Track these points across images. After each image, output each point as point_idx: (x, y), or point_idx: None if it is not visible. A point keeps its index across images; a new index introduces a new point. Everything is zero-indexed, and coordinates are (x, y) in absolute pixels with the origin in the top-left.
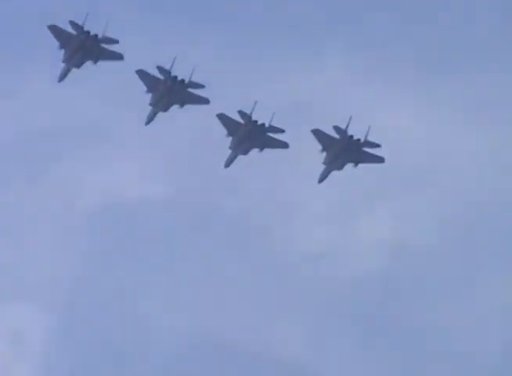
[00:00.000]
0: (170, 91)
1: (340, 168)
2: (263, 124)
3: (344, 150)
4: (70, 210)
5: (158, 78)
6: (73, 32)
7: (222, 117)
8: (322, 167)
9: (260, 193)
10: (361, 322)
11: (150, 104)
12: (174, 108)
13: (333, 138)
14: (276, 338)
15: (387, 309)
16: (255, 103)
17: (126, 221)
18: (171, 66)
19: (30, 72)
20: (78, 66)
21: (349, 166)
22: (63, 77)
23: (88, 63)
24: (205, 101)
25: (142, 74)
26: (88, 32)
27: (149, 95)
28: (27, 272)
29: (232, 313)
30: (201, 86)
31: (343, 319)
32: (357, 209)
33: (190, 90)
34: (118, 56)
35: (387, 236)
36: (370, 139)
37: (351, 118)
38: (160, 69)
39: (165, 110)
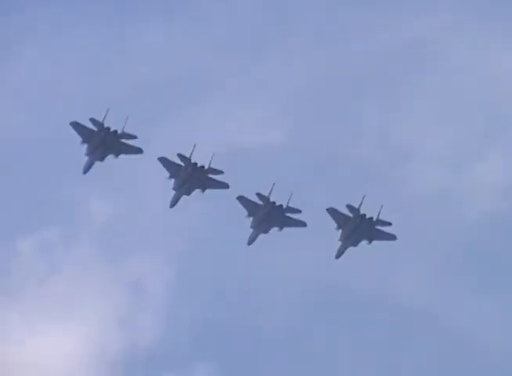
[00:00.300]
0: (190, 176)
1: (355, 244)
2: (281, 206)
3: (358, 228)
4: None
5: (179, 165)
6: (94, 128)
7: (242, 200)
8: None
9: None
10: (477, 265)
11: (173, 189)
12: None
13: (347, 216)
14: (395, 283)
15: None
16: (273, 184)
17: None
18: (191, 153)
19: None
20: (101, 159)
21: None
22: (87, 169)
23: (110, 157)
24: (225, 186)
25: (164, 162)
26: (108, 128)
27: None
28: (149, 222)
29: (350, 261)
30: (220, 172)
31: (459, 262)
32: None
33: (210, 176)
34: (138, 151)
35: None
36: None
37: (364, 197)
38: (181, 156)
39: (188, 194)
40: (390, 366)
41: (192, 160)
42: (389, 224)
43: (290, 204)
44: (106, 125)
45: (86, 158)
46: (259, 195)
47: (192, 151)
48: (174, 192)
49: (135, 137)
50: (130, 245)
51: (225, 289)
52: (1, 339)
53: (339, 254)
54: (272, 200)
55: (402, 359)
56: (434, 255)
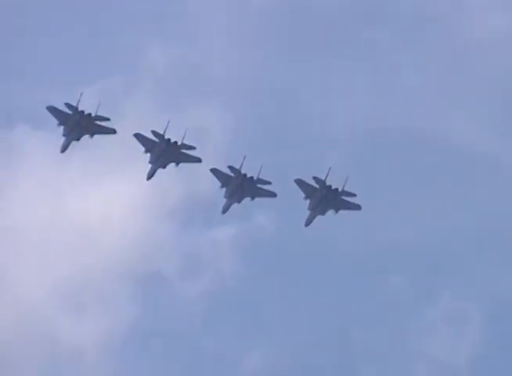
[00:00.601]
0: (164, 152)
1: (323, 213)
2: (252, 177)
3: (324, 198)
4: None
5: (154, 141)
6: (69, 112)
7: (215, 172)
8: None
9: None
10: None
11: (150, 162)
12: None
13: (314, 187)
14: (452, 126)
15: None
16: (244, 157)
17: None
18: (165, 130)
19: None
20: (77, 139)
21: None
22: (64, 148)
23: (86, 137)
24: (197, 160)
25: (139, 137)
26: (83, 111)
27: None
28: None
29: (409, 100)
30: (193, 148)
31: None
32: None
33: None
34: (111, 131)
35: None
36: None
37: (330, 169)
38: (155, 133)
39: (163, 167)
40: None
41: (166, 136)
42: (354, 195)
43: (261, 176)
44: (80, 109)
45: (63, 139)
46: (231, 168)
47: (166, 127)
48: (150, 165)
49: (108, 119)
50: (192, 93)
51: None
52: (65, 192)
53: (308, 223)
54: (243, 172)
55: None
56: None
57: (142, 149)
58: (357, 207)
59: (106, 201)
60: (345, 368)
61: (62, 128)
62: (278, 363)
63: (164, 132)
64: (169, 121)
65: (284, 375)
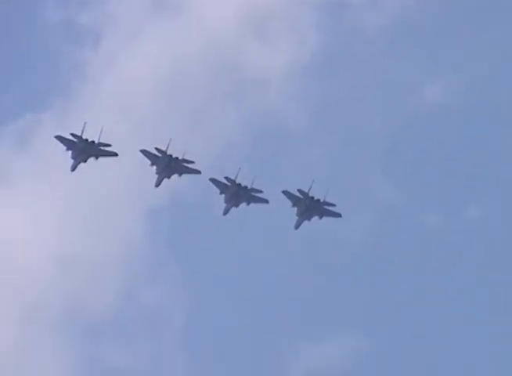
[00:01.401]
0: (168, 165)
1: (309, 219)
2: (246, 186)
3: (308, 207)
4: None
5: (158, 156)
6: (75, 140)
7: (214, 181)
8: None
9: None
10: None
11: (156, 173)
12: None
13: (298, 197)
14: None
15: None
16: (239, 169)
17: None
18: (167, 147)
19: None
20: (84, 161)
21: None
22: (74, 168)
23: (92, 159)
24: (197, 172)
25: (145, 153)
26: (87, 139)
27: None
28: None
29: None
30: (192, 162)
31: None
32: None
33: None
34: (113, 154)
35: None
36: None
37: (313, 182)
38: (159, 150)
39: (168, 177)
40: None
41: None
42: (333, 205)
43: (254, 186)
44: (84, 137)
45: (72, 160)
46: (227, 178)
47: (168, 145)
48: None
49: (109, 145)
50: None
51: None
52: None
53: (297, 226)
54: (238, 182)
55: None
56: None
57: (148, 162)
58: (338, 215)
59: None
60: None
61: (70, 152)
62: None
63: (167, 149)
64: (170, 139)
65: None
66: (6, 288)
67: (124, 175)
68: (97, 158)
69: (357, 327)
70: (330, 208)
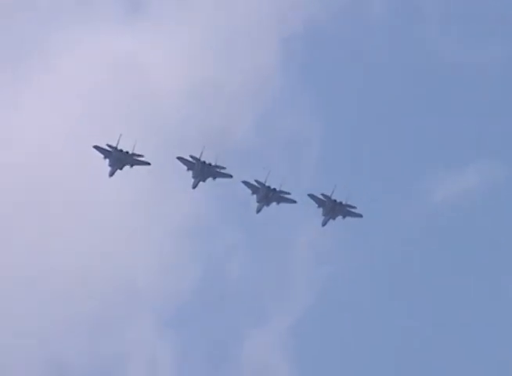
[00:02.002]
0: (202, 171)
1: (334, 218)
2: (275, 189)
3: (331, 209)
4: None
5: (192, 162)
6: (111, 150)
7: (246, 183)
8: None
9: None
10: None
11: (192, 177)
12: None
13: (323, 200)
14: None
15: None
16: (269, 171)
17: None
18: (200, 154)
19: None
20: (120, 168)
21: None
22: (111, 174)
23: (127, 167)
24: (229, 176)
25: (181, 159)
26: (121, 150)
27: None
28: None
29: None
30: (223, 168)
31: None
32: None
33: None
34: (146, 163)
35: None
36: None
37: (335, 186)
38: (192, 156)
39: (204, 180)
40: None
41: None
42: (354, 207)
43: (282, 188)
44: (119, 148)
45: (109, 168)
46: (257, 181)
47: (202, 152)
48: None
49: (142, 156)
50: None
51: None
52: None
53: (324, 224)
54: (267, 184)
55: None
56: None
57: (185, 167)
58: (359, 215)
59: None
60: None
61: (107, 160)
62: None
63: (200, 156)
64: (204, 146)
65: None
66: (143, 121)
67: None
68: (132, 166)
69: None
70: (352, 210)
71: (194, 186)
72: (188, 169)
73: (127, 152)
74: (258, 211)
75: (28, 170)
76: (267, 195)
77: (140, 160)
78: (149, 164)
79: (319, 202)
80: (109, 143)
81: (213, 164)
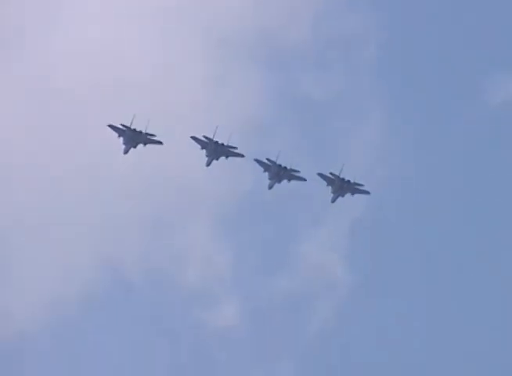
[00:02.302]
0: (215, 150)
1: (342, 196)
2: (285, 167)
3: (340, 187)
4: None
5: (206, 141)
6: (125, 129)
7: (258, 161)
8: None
9: None
10: None
11: (206, 156)
12: None
13: (332, 179)
14: None
15: None
16: (279, 152)
17: None
18: (214, 134)
19: None
20: (134, 147)
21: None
22: (126, 152)
23: (140, 145)
24: (241, 155)
25: (195, 139)
26: (135, 129)
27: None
28: None
29: None
30: (235, 147)
31: None
32: None
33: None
34: (158, 142)
35: None
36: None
37: (343, 165)
38: (205, 137)
39: (216, 159)
40: None
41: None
42: (361, 185)
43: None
44: (132, 127)
45: (123, 146)
46: (268, 160)
47: (215, 133)
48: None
49: (154, 135)
50: None
51: None
52: None
53: (333, 201)
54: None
55: None
56: None
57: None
58: (367, 192)
59: None
60: None
61: (121, 138)
62: None
63: (213, 136)
64: (217, 127)
65: None
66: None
67: None
68: (145, 145)
69: None
70: (359, 188)
71: (208, 164)
72: (202, 148)
73: (140, 131)
74: (270, 187)
75: None
76: (278, 173)
77: (153, 139)
78: (161, 143)
79: (328, 180)
80: (124, 123)
81: (225, 144)
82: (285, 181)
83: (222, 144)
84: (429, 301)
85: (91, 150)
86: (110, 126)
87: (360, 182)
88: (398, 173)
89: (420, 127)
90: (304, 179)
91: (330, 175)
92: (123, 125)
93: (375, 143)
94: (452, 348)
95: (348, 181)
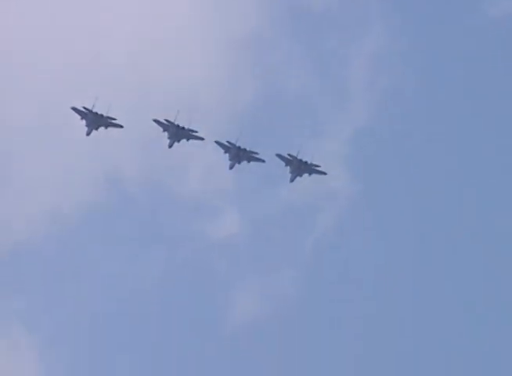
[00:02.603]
0: (176, 133)
1: (300, 175)
2: (245, 149)
3: (297, 168)
4: None
5: (167, 125)
6: (86, 112)
7: (218, 143)
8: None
9: None
10: None
11: (168, 138)
12: None
13: (289, 159)
14: None
15: None
16: (240, 132)
17: None
18: (175, 118)
19: None
20: (96, 129)
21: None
22: (88, 134)
23: (102, 128)
24: (201, 138)
25: (158, 122)
26: (96, 113)
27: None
28: None
29: None
30: (195, 131)
31: None
32: None
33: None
34: (119, 126)
35: None
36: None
37: (300, 147)
38: (167, 120)
39: (178, 141)
40: None
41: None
42: (318, 166)
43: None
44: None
45: (86, 128)
46: (228, 142)
47: (176, 116)
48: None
49: (115, 119)
50: None
51: None
52: None
53: (291, 180)
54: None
55: None
56: None
57: (161, 129)
58: (323, 173)
59: None
60: None
61: (84, 121)
62: None
63: (174, 120)
64: (178, 111)
65: None
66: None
67: None
68: (106, 128)
69: None
70: (316, 168)
71: (170, 146)
72: (163, 130)
73: (101, 115)
74: (231, 167)
75: None
76: (237, 154)
77: (113, 123)
78: (121, 126)
79: (286, 161)
80: (85, 106)
81: (186, 127)
82: (244, 162)
83: (183, 127)
84: (431, 215)
85: None
86: (73, 108)
87: (317, 164)
88: (400, 84)
89: (416, 37)
90: (263, 161)
91: (288, 156)
92: (85, 108)
93: (376, 54)
94: (450, 261)
95: (306, 162)
